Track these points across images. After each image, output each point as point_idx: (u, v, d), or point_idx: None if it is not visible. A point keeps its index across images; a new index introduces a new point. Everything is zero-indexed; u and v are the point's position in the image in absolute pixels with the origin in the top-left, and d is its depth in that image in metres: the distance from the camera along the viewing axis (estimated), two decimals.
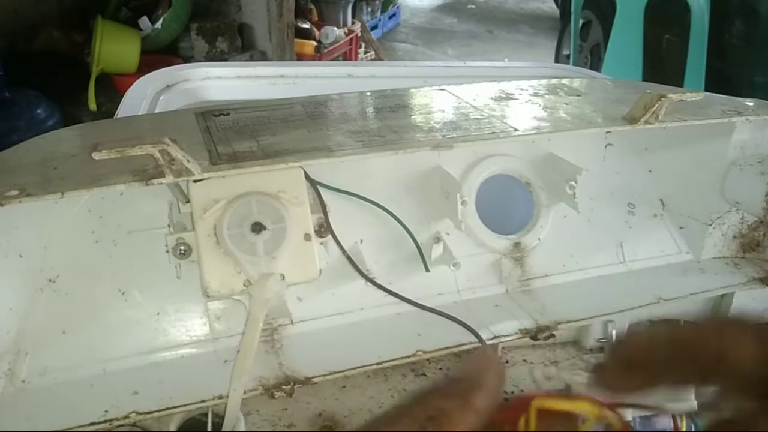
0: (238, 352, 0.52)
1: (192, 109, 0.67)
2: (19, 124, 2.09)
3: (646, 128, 0.59)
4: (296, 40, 2.85)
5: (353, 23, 3.56)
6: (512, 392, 0.63)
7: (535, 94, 0.70)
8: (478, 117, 0.61)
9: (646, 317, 0.69)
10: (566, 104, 0.67)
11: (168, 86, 1.11)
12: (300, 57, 2.92)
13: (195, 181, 0.51)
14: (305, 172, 0.57)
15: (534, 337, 0.61)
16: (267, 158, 0.50)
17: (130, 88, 1.07)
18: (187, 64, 1.31)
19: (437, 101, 0.68)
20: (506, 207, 0.71)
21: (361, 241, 0.64)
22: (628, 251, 0.73)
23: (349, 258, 0.62)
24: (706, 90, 1.09)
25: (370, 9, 4.17)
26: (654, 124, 0.59)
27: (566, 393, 0.26)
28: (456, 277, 0.67)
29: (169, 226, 0.59)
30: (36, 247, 0.56)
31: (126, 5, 2.69)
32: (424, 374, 0.65)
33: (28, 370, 0.54)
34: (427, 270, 0.65)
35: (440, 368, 0.66)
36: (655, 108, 0.58)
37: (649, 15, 2.35)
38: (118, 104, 1.02)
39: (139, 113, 0.97)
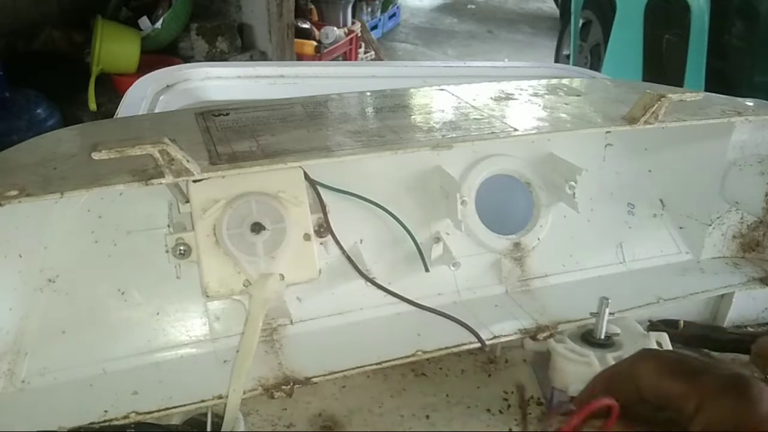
0: (237, 352, 0.52)
1: (192, 109, 0.67)
2: (19, 124, 2.09)
3: (646, 128, 0.59)
4: (296, 40, 2.85)
5: (353, 23, 3.56)
6: (512, 392, 0.63)
7: (535, 94, 0.70)
8: (478, 117, 0.61)
9: (647, 317, 0.69)
10: (566, 104, 0.67)
11: (168, 86, 1.11)
12: (300, 57, 2.92)
13: (194, 181, 0.51)
14: (305, 172, 0.57)
15: (534, 337, 0.62)
16: (267, 158, 0.50)
17: (130, 88, 1.08)
18: (187, 64, 1.31)
19: (437, 101, 0.68)
20: (506, 207, 0.71)
21: (361, 241, 0.64)
22: (628, 251, 0.73)
23: (348, 258, 0.62)
24: (706, 90, 1.09)
25: (370, 9, 4.17)
26: (654, 124, 0.59)
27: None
28: (456, 277, 0.67)
29: (168, 226, 0.59)
30: (36, 247, 0.56)
31: (126, 5, 2.69)
32: (424, 374, 0.65)
33: (28, 370, 0.54)
34: (427, 270, 0.65)
35: (440, 368, 0.66)
36: (654, 108, 0.58)
37: (649, 15, 2.35)
38: (118, 104, 1.02)
39: (139, 113, 0.97)
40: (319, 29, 3.22)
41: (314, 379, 0.55)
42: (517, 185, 0.70)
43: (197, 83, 1.16)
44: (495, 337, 0.60)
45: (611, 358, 0.54)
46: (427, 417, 0.60)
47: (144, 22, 2.56)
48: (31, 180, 0.46)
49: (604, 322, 0.57)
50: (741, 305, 0.73)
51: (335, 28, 3.24)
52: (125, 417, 0.50)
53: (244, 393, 0.52)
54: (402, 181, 0.67)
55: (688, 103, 0.61)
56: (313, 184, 0.59)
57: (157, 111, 1.01)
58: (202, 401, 0.52)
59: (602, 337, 0.58)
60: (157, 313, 0.59)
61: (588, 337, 0.58)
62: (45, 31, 2.52)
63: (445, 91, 0.72)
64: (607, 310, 0.57)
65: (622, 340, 0.58)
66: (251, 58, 2.68)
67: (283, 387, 0.54)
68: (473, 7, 5.59)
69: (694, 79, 2.14)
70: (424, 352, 0.58)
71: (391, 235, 0.65)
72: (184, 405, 0.52)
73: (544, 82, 0.79)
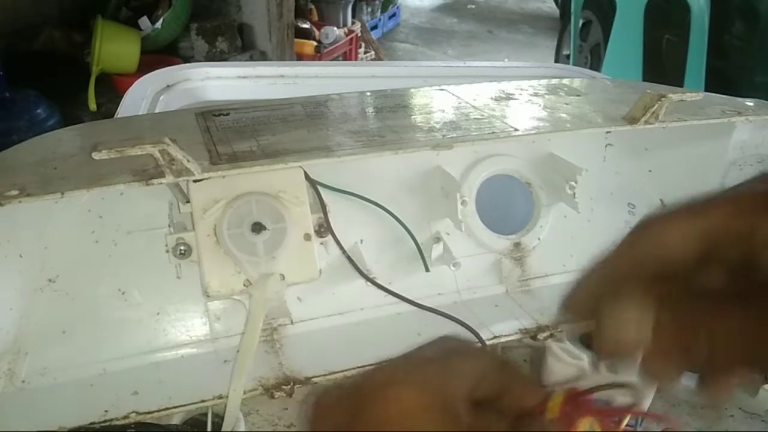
0: (238, 352, 0.52)
1: (192, 109, 0.67)
2: (19, 124, 2.09)
3: (646, 128, 0.59)
4: (296, 40, 2.85)
5: (353, 23, 3.56)
6: None
7: (535, 94, 0.70)
8: (478, 117, 0.61)
9: None
10: (566, 104, 0.67)
11: (168, 86, 1.11)
12: (300, 57, 2.91)
13: (195, 181, 0.51)
14: (305, 172, 0.57)
15: (534, 337, 0.62)
16: (267, 158, 0.50)
17: (130, 88, 1.07)
18: (187, 64, 1.31)
19: (437, 101, 0.68)
20: (506, 207, 0.71)
21: (361, 241, 0.64)
22: None
23: (349, 258, 0.62)
24: (707, 90, 1.09)
25: (370, 9, 4.16)
26: (654, 124, 0.59)
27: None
28: (456, 277, 0.67)
29: (169, 226, 0.59)
30: (36, 247, 0.56)
31: (126, 5, 2.69)
32: None
33: (28, 370, 0.54)
34: (427, 270, 0.65)
35: None
36: (655, 108, 0.58)
37: (649, 15, 2.35)
38: (118, 104, 1.02)
39: (139, 113, 0.97)
40: (319, 29, 3.21)
41: (314, 379, 0.55)
42: (517, 185, 0.70)
43: (197, 83, 1.16)
44: (495, 337, 0.60)
45: (603, 363, 0.54)
46: None
47: (144, 22, 2.56)
48: (31, 180, 0.46)
49: None
50: None
51: (335, 28, 3.24)
52: (125, 417, 0.50)
53: (245, 393, 0.52)
54: (402, 181, 0.67)
55: (688, 103, 0.61)
56: (313, 184, 0.59)
57: (157, 111, 1.01)
58: (203, 401, 0.52)
59: None
60: (158, 313, 0.59)
61: (586, 340, 0.58)
62: (45, 31, 2.52)
63: (446, 91, 0.72)
64: None
65: None
66: (251, 58, 2.68)
67: (284, 387, 0.54)
68: (473, 7, 5.59)
69: (694, 79, 2.14)
70: None
71: (391, 235, 0.65)
72: (185, 405, 0.52)
73: (544, 82, 0.79)
